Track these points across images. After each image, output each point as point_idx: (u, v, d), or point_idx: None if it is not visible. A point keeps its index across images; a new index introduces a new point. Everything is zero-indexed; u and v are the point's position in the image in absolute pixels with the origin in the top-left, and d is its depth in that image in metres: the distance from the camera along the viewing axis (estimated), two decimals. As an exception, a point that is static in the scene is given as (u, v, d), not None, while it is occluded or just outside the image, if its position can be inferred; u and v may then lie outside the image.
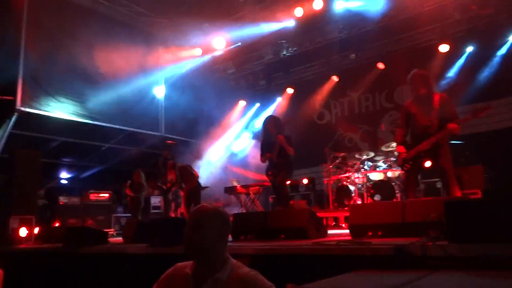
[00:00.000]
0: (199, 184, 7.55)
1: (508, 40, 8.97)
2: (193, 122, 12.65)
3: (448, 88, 8.98)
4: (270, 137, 5.99)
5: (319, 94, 12.40)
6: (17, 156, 8.37)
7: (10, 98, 8.92)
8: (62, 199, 9.58)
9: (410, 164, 4.69)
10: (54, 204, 9.87)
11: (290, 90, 12.83)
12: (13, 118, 8.86)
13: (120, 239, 6.70)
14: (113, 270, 4.66)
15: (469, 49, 9.48)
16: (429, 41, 10.25)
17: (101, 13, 10.78)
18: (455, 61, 9.60)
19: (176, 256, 2.09)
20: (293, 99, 12.78)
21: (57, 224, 8.72)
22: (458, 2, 9.10)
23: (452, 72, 9.54)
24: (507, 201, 2.77)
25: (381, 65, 10.80)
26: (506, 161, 7.50)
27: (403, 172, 4.89)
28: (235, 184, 9.20)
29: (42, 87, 9.46)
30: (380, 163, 7.67)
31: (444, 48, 9.54)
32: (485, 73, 8.84)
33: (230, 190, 9.04)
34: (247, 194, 8.84)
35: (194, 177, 7.53)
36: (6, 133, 8.90)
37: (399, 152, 4.83)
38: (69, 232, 5.83)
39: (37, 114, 9.27)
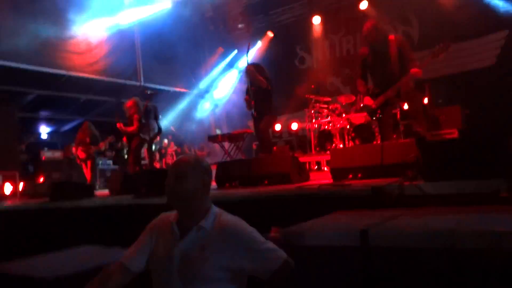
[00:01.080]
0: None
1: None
2: (172, 70, 12.38)
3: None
4: (251, 87, 5.92)
5: (299, 37, 12.15)
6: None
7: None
8: (44, 154, 9.47)
9: (379, 113, 4.82)
10: (37, 159, 9.78)
11: (270, 34, 12.53)
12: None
13: (106, 191, 6.76)
14: (100, 223, 4.74)
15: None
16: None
17: None
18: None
19: (162, 206, 2.14)
20: (273, 42, 12.52)
21: (41, 179, 8.70)
22: None
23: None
24: (481, 140, 2.88)
25: (363, 5, 10.54)
26: (483, 100, 7.66)
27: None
28: (218, 132, 9.19)
29: (16, 39, 8.95)
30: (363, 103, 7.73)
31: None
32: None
33: (213, 138, 9.04)
34: (230, 142, 8.86)
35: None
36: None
37: (366, 104, 4.92)
38: (54, 187, 5.84)
39: (8, 66, 8.87)
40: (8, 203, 6.90)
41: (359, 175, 3.82)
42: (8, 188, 7.51)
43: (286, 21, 12.57)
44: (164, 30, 11.31)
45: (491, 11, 8.56)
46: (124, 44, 11.52)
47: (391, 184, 3.03)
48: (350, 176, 3.85)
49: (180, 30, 11.60)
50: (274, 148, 7.37)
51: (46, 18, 9.31)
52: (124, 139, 7.53)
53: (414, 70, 4.51)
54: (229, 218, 1.89)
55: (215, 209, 1.92)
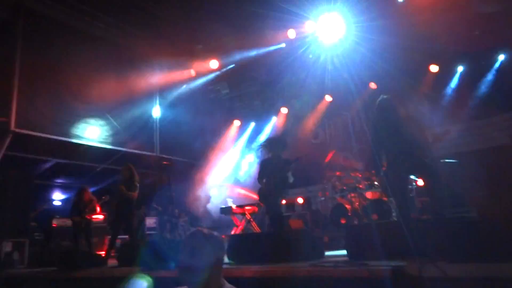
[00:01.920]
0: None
1: (497, 60, 9.17)
2: (188, 142, 12.67)
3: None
4: (271, 159, 5.99)
5: (314, 113, 12.52)
6: (10, 178, 8.31)
7: (4, 119, 8.90)
8: (56, 221, 9.45)
9: None
10: (48, 227, 9.73)
11: (284, 110, 12.93)
12: (7, 139, 8.81)
13: (115, 261, 6.60)
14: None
15: (460, 69, 9.67)
16: (420, 62, 10.44)
17: (95, 36, 10.88)
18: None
19: (173, 279, 2.07)
20: (288, 118, 12.87)
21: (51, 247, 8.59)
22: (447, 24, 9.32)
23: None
24: (504, 221, 2.80)
25: (373, 85, 10.95)
26: (497, 179, 7.54)
27: None
28: (230, 204, 9.15)
29: (35, 109, 9.45)
30: (376, 182, 7.69)
31: (434, 68, 9.73)
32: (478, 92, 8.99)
33: (225, 211, 8.98)
34: (243, 214, 8.78)
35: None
36: (0, 155, 8.84)
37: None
38: (63, 256, 5.74)
39: (30, 135, 9.23)
40: (16, 271, 6.77)
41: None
42: (16, 256, 7.40)
43: (299, 98, 12.99)
44: (181, 104, 11.84)
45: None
46: (142, 116, 12.02)
47: (411, 263, 2.91)
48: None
49: (196, 105, 12.13)
50: (289, 221, 7.24)
51: (69, 90, 9.91)
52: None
53: None
54: None
55: (226, 285, 1.87)
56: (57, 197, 12.70)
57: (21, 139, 9.03)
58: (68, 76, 9.91)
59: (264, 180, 5.94)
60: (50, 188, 12.59)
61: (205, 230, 1.91)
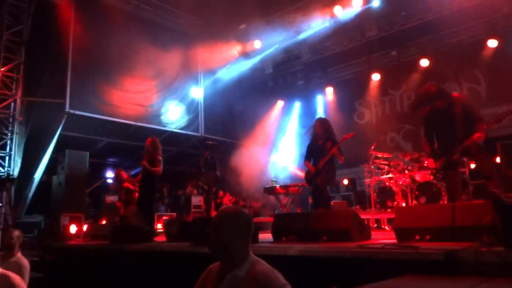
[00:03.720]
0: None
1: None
2: (232, 123, 12.79)
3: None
4: (317, 142, 5.91)
5: (358, 93, 12.16)
6: (68, 157, 8.77)
7: (60, 101, 9.38)
8: (108, 198, 9.93)
9: (441, 174, 4.61)
10: (101, 203, 10.26)
11: (329, 90, 12.67)
12: (63, 120, 9.30)
13: (163, 237, 6.85)
14: (156, 268, 4.76)
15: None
16: (476, 37, 9.77)
17: (143, 18, 11.10)
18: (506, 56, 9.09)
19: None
20: (333, 98, 12.60)
21: (103, 222, 9.04)
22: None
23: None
24: None
25: (424, 63, 10.41)
26: None
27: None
28: (274, 183, 9.16)
29: (88, 90, 9.87)
30: (426, 164, 7.37)
31: (492, 43, 9.05)
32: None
33: (269, 190, 9.00)
34: (286, 194, 8.77)
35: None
36: (57, 135, 9.35)
37: (429, 167, 4.72)
38: (116, 230, 6.03)
39: (84, 116, 9.68)
40: (72, 242, 7.22)
41: (427, 237, 3.54)
42: (73, 229, 7.86)
43: (344, 78, 12.72)
44: (226, 83, 11.88)
45: None
46: (188, 97, 12.21)
47: (466, 249, 2.76)
48: (417, 237, 3.57)
49: (240, 86, 12.12)
50: (332, 203, 7.15)
51: (117, 71, 10.23)
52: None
53: (477, 135, 4.29)
54: (263, 268, 1.90)
55: (252, 258, 1.96)
56: (109, 175, 13.29)
57: (76, 119, 9.50)
58: (116, 57, 10.23)
59: (310, 161, 5.90)
60: (103, 166, 13.18)
61: (231, 207, 2.06)
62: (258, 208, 11.93)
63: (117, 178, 7.71)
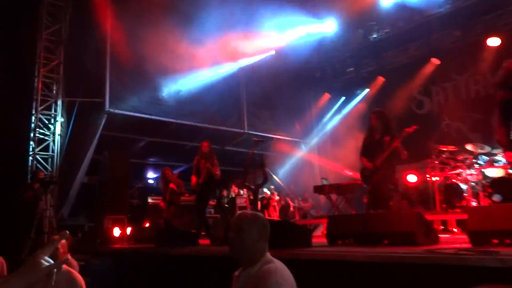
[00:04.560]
0: None
1: None
2: (276, 117, 12.78)
3: None
4: (374, 136, 5.76)
5: (416, 80, 11.73)
6: (109, 158, 9.13)
7: (100, 100, 9.76)
8: (150, 200, 10.24)
9: None
10: (144, 204, 10.61)
11: (382, 77, 12.31)
12: (103, 120, 9.67)
13: (207, 240, 6.96)
14: (202, 273, 4.84)
15: None
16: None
17: (180, 9, 11.30)
18: None
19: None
20: (385, 88, 12.23)
21: (147, 225, 9.35)
22: None
23: None
24: None
25: (493, 42, 9.83)
26: None
27: None
28: (324, 183, 9.04)
29: (126, 88, 10.19)
30: (499, 157, 6.97)
31: None
32: None
33: (319, 189, 8.90)
34: (339, 194, 8.63)
35: None
36: (98, 135, 9.74)
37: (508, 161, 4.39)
38: (160, 233, 6.20)
39: (124, 114, 10.01)
40: (116, 246, 7.52)
41: (507, 241, 3.33)
42: (116, 232, 8.18)
43: (399, 64, 12.31)
44: (268, 77, 11.84)
45: None
46: (230, 92, 12.30)
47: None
48: (495, 241, 3.38)
49: (283, 76, 12.04)
50: (390, 203, 6.93)
51: (156, 67, 10.47)
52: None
53: None
54: (270, 265, 2.11)
55: (267, 258, 2.18)
56: (151, 176, 13.72)
57: (116, 118, 9.85)
58: (154, 53, 10.46)
59: (367, 158, 5.77)
60: (144, 167, 13.63)
61: (248, 211, 2.33)
62: (308, 209, 11.86)
63: (163, 177, 7.91)
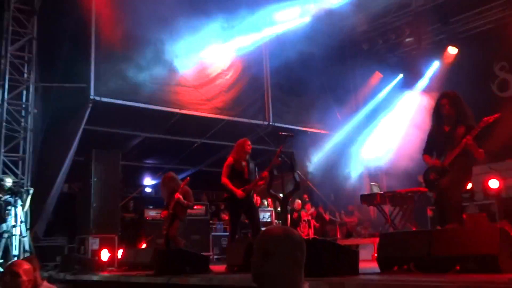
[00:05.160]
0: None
1: None
2: (309, 106, 12.70)
3: None
4: (443, 127, 5.69)
5: (500, 52, 11.51)
6: (95, 160, 9.24)
7: (83, 85, 9.87)
8: (149, 213, 10.31)
9: None
10: (139, 220, 10.69)
11: (452, 50, 12.12)
12: (87, 111, 9.76)
13: (222, 266, 6.97)
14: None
15: None
16: None
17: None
18: None
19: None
20: (457, 61, 12.04)
21: (143, 246, 9.45)
22: None
23: None
24: None
25: None
26: None
27: None
28: (375, 190, 8.96)
29: (116, 71, 10.27)
30: None
31: None
32: None
33: (368, 199, 8.83)
34: (394, 204, 8.57)
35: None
36: (80, 130, 9.83)
37: None
38: (161, 257, 6.23)
39: (113, 104, 10.11)
40: (104, 274, 7.59)
41: (405, 267, 3.42)
42: (105, 255, 8.28)
43: (476, 31, 12.17)
44: (300, 52, 11.74)
45: None
46: (250, 73, 12.30)
47: None
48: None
49: (320, 52, 11.93)
50: (464, 216, 6.84)
51: (152, 44, 10.53)
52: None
53: None
54: None
55: None
56: (148, 183, 13.85)
57: (103, 109, 9.95)
58: (151, 28, 10.49)
59: (432, 157, 5.72)
60: (139, 171, 13.78)
61: (278, 228, 2.19)
62: (353, 224, 11.80)
63: (165, 184, 7.93)
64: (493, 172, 9.46)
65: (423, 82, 12.73)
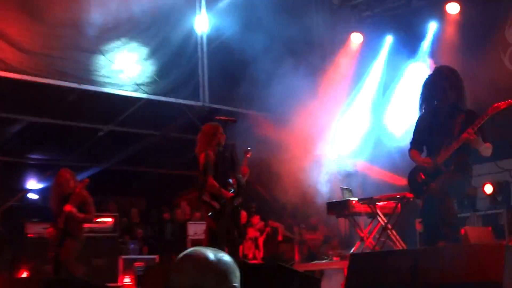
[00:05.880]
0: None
1: None
2: (260, 82, 12.74)
3: None
4: (437, 114, 5.84)
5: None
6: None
7: None
8: (31, 228, 10.12)
9: None
10: (19, 238, 10.48)
11: (453, 8, 12.41)
12: None
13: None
14: None
15: None
16: None
17: None
18: None
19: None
20: (459, 23, 12.37)
21: (24, 274, 9.28)
22: None
23: None
24: None
25: None
26: None
27: None
28: (347, 197, 9.11)
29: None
30: None
31: None
32: None
33: (338, 208, 8.99)
34: (372, 215, 8.75)
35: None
36: None
37: None
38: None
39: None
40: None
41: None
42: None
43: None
44: (247, 15, 11.83)
45: None
46: (179, 40, 12.22)
47: None
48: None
49: (274, 9, 12.04)
50: (462, 231, 7.08)
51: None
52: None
53: None
54: None
55: None
56: (33, 186, 13.58)
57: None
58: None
59: (421, 154, 5.92)
60: (20, 170, 13.49)
61: (203, 252, 2.15)
62: (317, 243, 11.96)
63: (57, 188, 7.81)
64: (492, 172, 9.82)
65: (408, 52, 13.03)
